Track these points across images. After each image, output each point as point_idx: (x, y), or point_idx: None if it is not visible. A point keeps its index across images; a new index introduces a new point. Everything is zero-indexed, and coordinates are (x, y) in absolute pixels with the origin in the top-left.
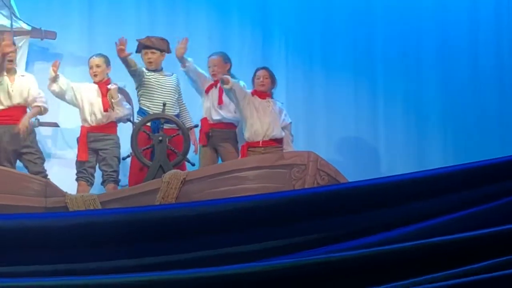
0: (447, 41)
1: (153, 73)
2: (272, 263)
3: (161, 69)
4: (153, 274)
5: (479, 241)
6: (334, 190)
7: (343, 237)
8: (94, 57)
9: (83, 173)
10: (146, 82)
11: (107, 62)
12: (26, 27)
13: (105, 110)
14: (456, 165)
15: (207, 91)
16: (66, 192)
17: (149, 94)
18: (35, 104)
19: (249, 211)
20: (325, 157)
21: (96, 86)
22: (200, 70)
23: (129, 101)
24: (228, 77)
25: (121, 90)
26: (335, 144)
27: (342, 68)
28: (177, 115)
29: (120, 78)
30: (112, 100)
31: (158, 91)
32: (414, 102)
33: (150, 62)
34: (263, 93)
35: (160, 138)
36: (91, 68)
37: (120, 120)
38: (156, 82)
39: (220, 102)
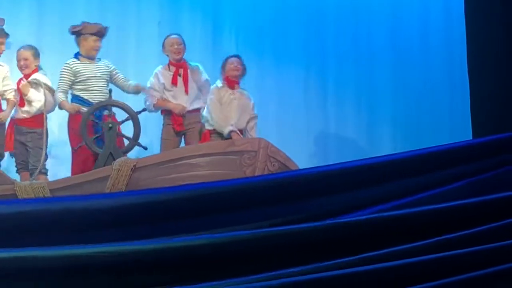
0: (398, 32)
1: (85, 62)
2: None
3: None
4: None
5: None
6: (284, 177)
7: (296, 223)
8: (22, 49)
9: (23, 164)
10: (80, 72)
11: (36, 53)
12: None
13: (21, 106)
14: (407, 151)
15: (175, 82)
16: (15, 180)
17: (84, 84)
18: (9, 98)
19: (201, 198)
20: (275, 144)
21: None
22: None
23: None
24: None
25: (34, 82)
26: (286, 131)
27: (293, 56)
28: None
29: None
30: (24, 97)
31: (93, 80)
32: (365, 91)
33: (97, 50)
34: (234, 81)
35: (110, 125)
36: (18, 61)
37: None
38: (90, 72)
39: (186, 91)
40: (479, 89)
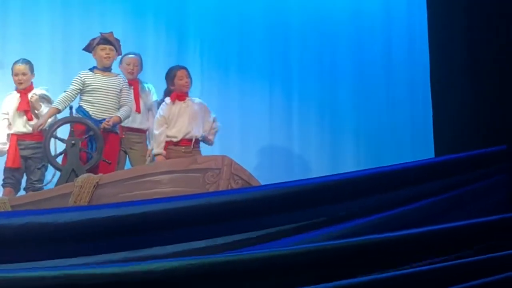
0: (361, 48)
1: (97, 74)
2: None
3: (110, 69)
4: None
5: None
6: (248, 193)
7: (258, 239)
8: (19, 63)
9: (11, 179)
10: (88, 83)
11: (32, 69)
12: None
13: (30, 120)
14: (370, 168)
15: None
16: None
17: (90, 95)
18: None
19: (163, 213)
20: (239, 161)
21: (17, 95)
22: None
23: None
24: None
25: (43, 97)
26: (250, 148)
27: (257, 72)
28: None
29: (44, 81)
30: (36, 112)
31: (99, 93)
32: (328, 107)
33: (108, 58)
34: (184, 95)
35: (73, 142)
36: (16, 75)
37: None
38: (99, 84)
39: (138, 110)
40: (441, 107)
